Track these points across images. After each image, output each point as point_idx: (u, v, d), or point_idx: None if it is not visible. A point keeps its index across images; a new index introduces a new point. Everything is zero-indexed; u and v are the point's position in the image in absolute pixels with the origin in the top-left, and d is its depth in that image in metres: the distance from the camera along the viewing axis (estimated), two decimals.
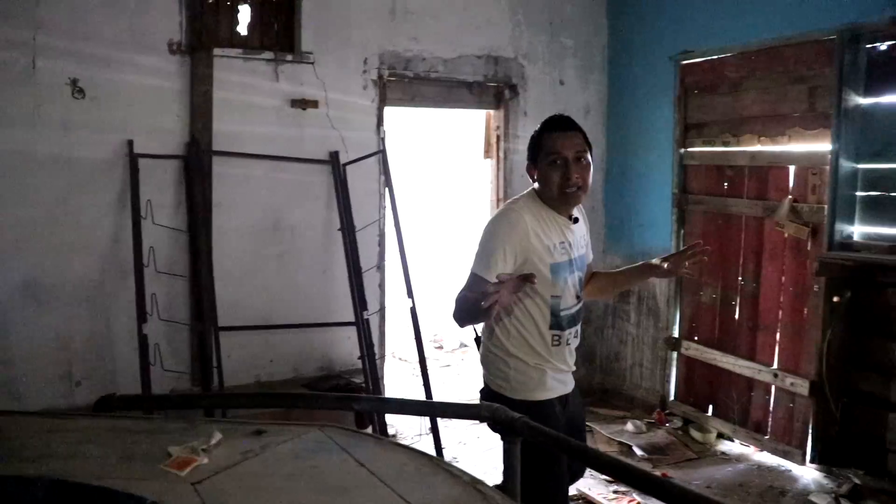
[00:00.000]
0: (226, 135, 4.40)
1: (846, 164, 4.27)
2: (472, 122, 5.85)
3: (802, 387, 4.43)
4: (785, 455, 4.59)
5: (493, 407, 2.25)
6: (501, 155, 5.38)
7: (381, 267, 4.90)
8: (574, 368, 2.87)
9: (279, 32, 4.64)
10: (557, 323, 2.73)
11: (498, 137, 5.41)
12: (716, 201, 5.06)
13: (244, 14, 4.55)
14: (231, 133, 4.42)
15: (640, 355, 5.67)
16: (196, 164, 4.32)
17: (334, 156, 4.68)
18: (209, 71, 4.33)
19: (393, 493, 1.59)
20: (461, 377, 6.49)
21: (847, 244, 4.28)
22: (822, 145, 4.33)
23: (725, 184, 5.00)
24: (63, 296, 4.10)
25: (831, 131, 4.26)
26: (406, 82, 5.01)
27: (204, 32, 4.39)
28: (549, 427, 2.59)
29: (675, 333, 5.35)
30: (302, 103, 4.60)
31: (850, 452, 4.30)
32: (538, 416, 2.58)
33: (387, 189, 4.78)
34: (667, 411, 5.35)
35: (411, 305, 4.49)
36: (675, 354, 5.37)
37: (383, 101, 4.89)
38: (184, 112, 4.34)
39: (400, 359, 6.69)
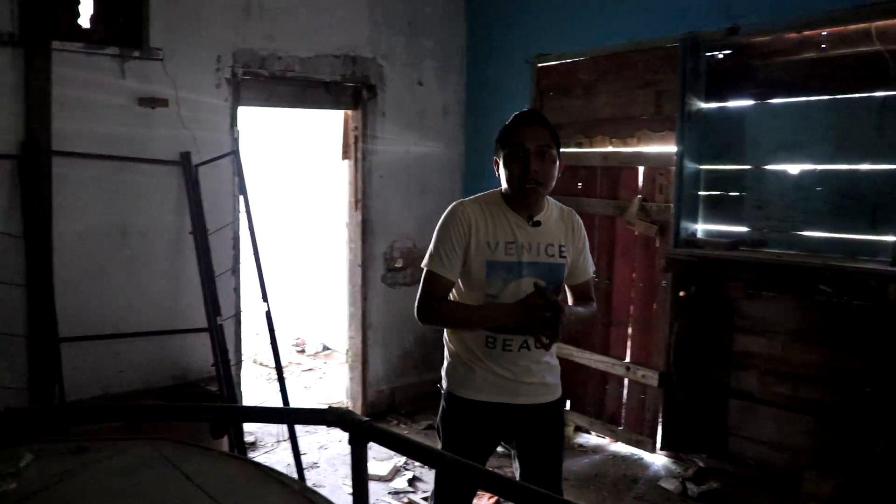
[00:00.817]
0: (67, 134, 4.15)
1: (690, 165, 4.47)
2: (331, 123, 5.76)
3: (652, 378, 4.61)
4: (638, 444, 4.77)
5: (340, 411, 2.21)
6: (360, 156, 5.32)
7: (236, 271, 4.74)
8: (527, 381, 2.60)
9: (125, 27, 4.41)
10: None
11: (356, 138, 5.33)
12: (570, 201, 5.11)
13: (86, 6, 4.30)
14: (73, 132, 4.17)
15: None
16: (33, 164, 4.05)
17: (186, 156, 4.50)
18: (47, 65, 4.07)
19: None
20: (324, 381, 6.39)
21: (692, 241, 4.49)
22: (669, 147, 4.53)
23: (580, 184, 5.14)
24: None
25: (676, 134, 4.45)
26: (261, 81, 4.87)
27: (40, 24, 4.11)
28: (463, 429, 2.61)
29: None
30: (151, 102, 4.39)
31: (696, 438, 4.53)
32: (453, 410, 2.64)
33: (241, 190, 4.63)
34: None
35: (266, 309, 4.37)
36: None
37: (237, 101, 4.73)
38: (18, 109, 4.03)
39: (261, 364, 6.51)
